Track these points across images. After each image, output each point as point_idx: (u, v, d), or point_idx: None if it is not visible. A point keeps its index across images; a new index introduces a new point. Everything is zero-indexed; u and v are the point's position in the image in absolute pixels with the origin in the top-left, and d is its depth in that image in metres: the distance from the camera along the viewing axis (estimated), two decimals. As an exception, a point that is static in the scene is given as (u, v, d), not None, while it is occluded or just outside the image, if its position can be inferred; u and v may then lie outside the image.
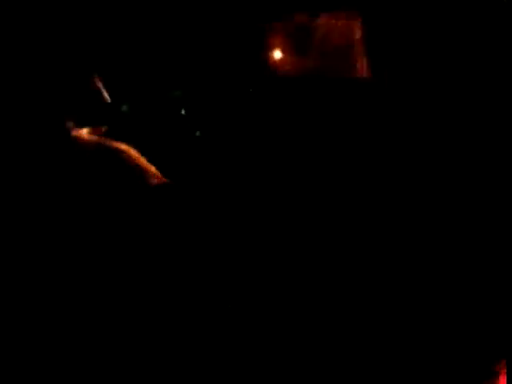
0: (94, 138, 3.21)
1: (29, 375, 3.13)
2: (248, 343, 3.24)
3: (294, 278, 3.29)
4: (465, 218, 3.29)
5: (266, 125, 3.31)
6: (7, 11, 3.13)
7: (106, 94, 3.11)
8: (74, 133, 3.15)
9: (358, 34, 3.25)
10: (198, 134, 3.16)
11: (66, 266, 3.14)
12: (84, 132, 3.18)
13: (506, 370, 3.24)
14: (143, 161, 3.17)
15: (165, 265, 3.23)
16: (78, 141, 3.17)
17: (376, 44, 3.27)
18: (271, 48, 3.30)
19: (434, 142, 3.34)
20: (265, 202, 3.28)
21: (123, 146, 3.18)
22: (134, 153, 3.17)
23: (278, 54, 3.29)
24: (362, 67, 3.26)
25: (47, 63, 3.20)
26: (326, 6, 3.26)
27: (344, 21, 3.23)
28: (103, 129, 3.18)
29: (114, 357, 3.17)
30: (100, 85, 3.14)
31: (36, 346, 3.16)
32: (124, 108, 3.21)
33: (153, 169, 3.14)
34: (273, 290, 3.28)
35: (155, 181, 3.09)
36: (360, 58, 3.27)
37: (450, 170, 3.33)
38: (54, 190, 3.11)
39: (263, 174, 3.29)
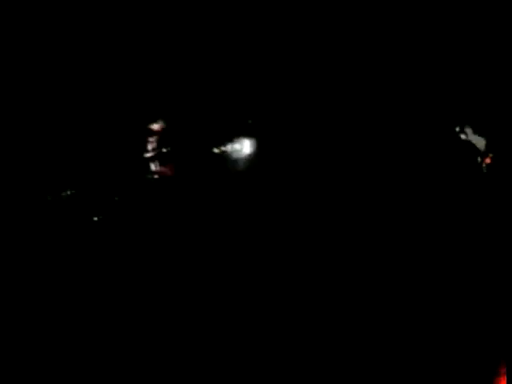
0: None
1: (29, 375, 3.14)
2: (247, 343, 3.24)
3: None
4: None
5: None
6: None
7: None
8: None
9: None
10: None
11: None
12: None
13: (506, 371, 3.22)
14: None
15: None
16: None
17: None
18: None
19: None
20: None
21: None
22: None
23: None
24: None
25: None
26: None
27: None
28: None
29: (115, 356, 3.18)
30: None
31: (37, 346, 3.17)
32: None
33: None
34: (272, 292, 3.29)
35: None
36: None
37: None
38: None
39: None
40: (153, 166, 3.20)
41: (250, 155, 3.29)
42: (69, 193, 3.09)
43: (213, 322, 3.27)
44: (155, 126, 3.19)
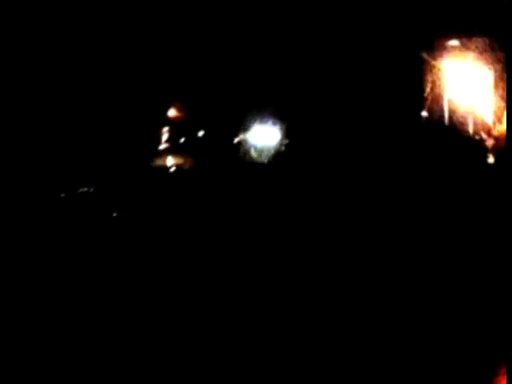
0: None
1: (29, 375, 3.14)
2: (247, 343, 3.27)
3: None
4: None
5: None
6: None
7: None
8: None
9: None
10: None
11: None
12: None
13: (506, 371, 3.30)
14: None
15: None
16: None
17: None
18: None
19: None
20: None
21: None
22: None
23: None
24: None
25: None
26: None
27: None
28: None
29: (114, 356, 3.19)
30: None
31: (36, 346, 3.17)
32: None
33: None
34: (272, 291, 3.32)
35: None
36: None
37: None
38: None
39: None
40: (170, 159, 3.20)
41: (270, 148, 3.32)
42: (84, 189, 3.09)
43: (214, 319, 3.29)
44: (173, 117, 3.19)
